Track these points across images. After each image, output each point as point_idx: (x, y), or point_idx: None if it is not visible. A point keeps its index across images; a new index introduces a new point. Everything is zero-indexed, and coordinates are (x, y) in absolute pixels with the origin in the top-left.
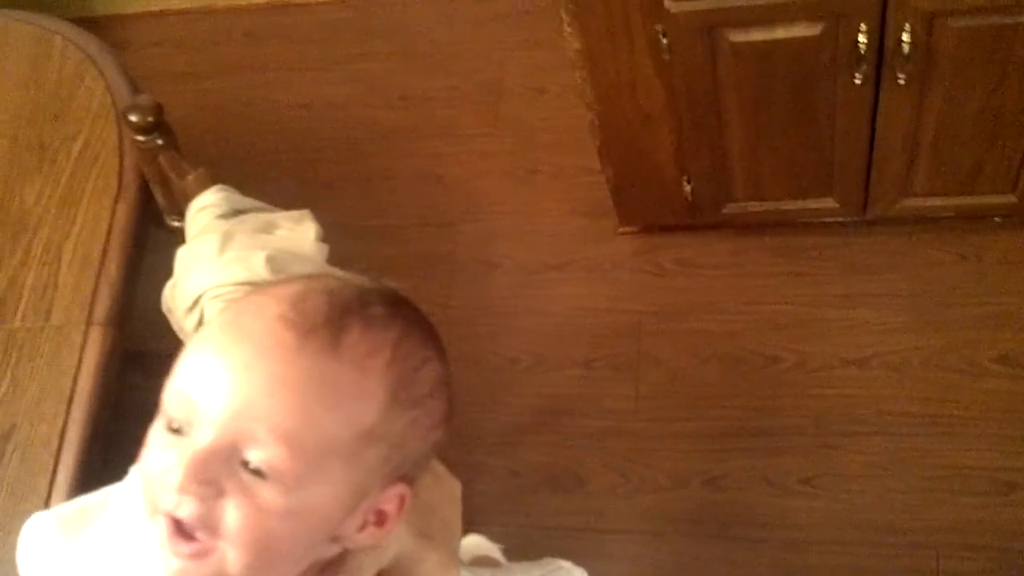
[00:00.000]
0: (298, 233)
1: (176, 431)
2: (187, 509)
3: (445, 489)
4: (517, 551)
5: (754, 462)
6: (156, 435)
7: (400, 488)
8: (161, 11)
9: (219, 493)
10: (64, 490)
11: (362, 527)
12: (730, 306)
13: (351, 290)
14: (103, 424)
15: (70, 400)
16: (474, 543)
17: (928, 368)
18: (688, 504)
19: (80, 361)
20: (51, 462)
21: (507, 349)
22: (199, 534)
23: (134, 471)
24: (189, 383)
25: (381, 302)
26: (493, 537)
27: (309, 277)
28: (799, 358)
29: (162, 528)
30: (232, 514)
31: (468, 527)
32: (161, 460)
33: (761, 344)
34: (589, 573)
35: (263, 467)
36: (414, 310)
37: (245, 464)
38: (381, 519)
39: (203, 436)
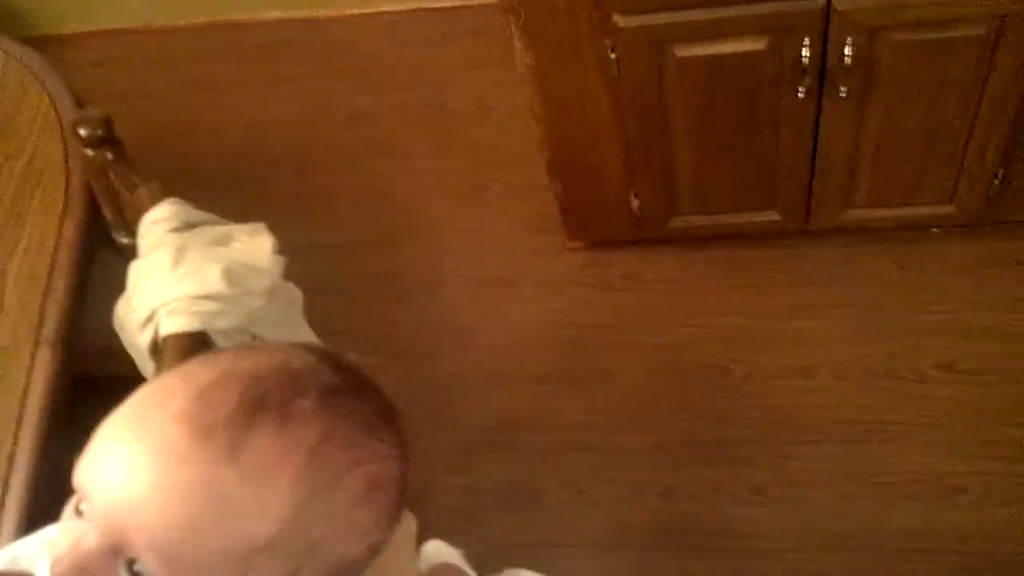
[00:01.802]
0: (254, 245)
1: (80, 514)
2: None
3: (398, 534)
4: (475, 569)
5: (707, 473)
6: (66, 513)
7: None
8: (101, 31)
9: None
10: (14, 515)
11: None
12: (678, 319)
13: (279, 378)
14: (53, 447)
15: (19, 422)
16: (435, 550)
17: (872, 376)
18: (644, 516)
19: (28, 382)
20: (0, 487)
21: (458, 366)
22: None
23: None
24: (87, 470)
25: (311, 393)
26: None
27: (239, 355)
28: (747, 369)
29: None
30: None
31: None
32: (62, 541)
33: (710, 356)
34: None
35: (142, 572)
36: (359, 396)
37: (129, 565)
38: None
39: (89, 532)
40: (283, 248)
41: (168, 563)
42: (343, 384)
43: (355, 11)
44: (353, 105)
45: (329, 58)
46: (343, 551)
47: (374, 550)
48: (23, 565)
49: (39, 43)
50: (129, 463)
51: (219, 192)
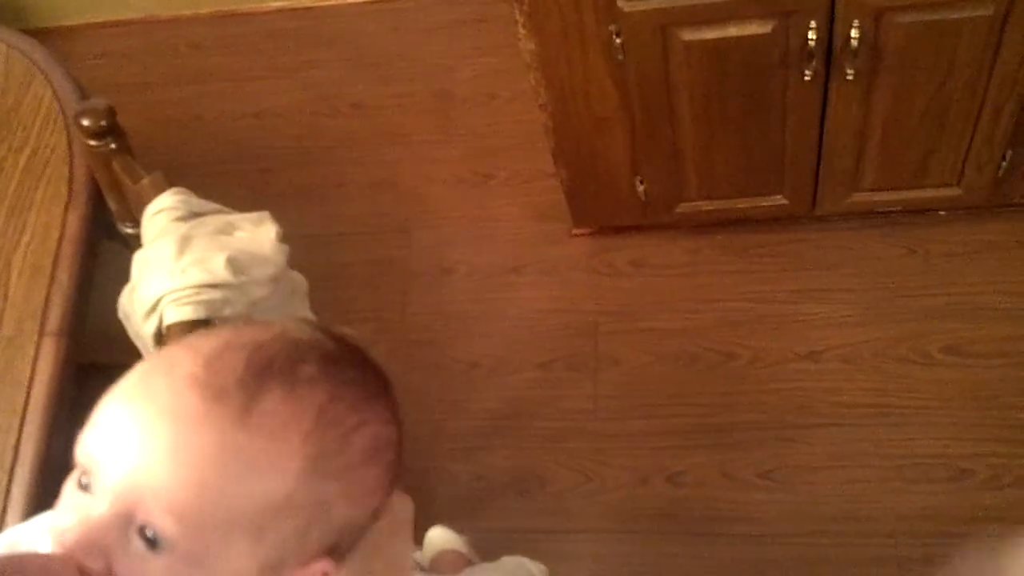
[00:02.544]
0: (258, 234)
1: (84, 487)
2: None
3: (394, 518)
4: (482, 555)
5: (713, 457)
6: (67, 489)
7: (323, 564)
8: (104, 23)
9: (107, 567)
10: (20, 505)
11: None
12: (685, 304)
13: (282, 345)
14: (58, 438)
15: (23, 413)
16: (439, 537)
17: (879, 360)
18: (650, 501)
19: (33, 373)
20: (4, 478)
21: (465, 354)
22: None
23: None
24: (94, 441)
25: (314, 359)
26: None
27: (238, 329)
28: (754, 354)
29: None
30: None
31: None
32: (65, 517)
33: (716, 341)
34: (554, 574)
35: (158, 539)
36: (354, 367)
37: (142, 531)
38: None
39: (99, 501)
40: (288, 236)
41: (186, 524)
42: (342, 353)
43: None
44: (357, 94)
45: (333, 47)
46: (350, 511)
47: (375, 514)
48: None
49: (42, 35)
50: (141, 428)
51: (224, 182)
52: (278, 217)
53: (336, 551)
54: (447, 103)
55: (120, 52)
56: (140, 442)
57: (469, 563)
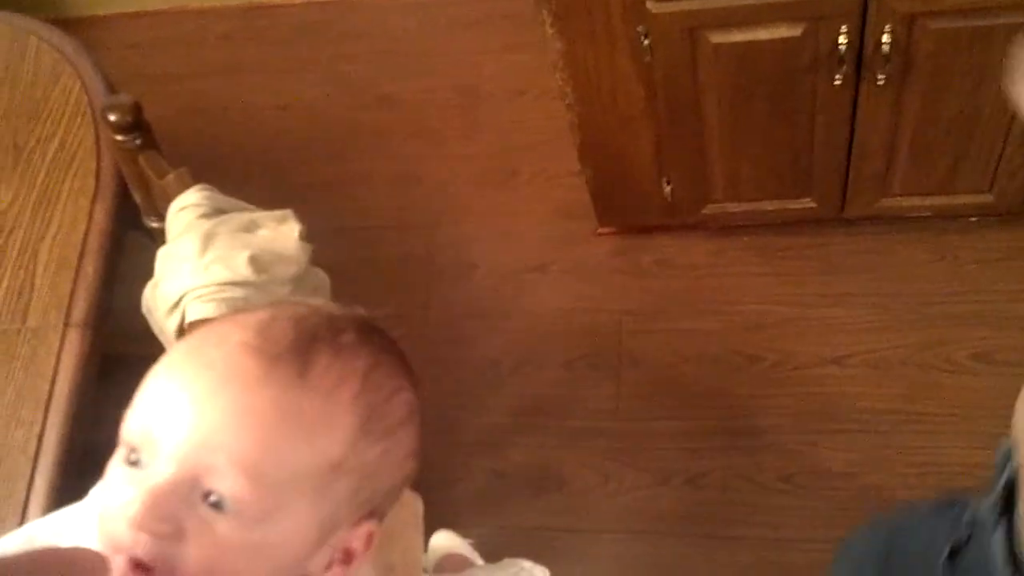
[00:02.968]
0: (281, 232)
1: (135, 464)
2: (144, 547)
3: (407, 512)
4: (499, 552)
5: (735, 460)
6: (114, 468)
7: (369, 525)
8: (135, 13)
9: (178, 529)
10: (43, 495)
11: (328, 566)
12: (710, 306)
13: (320, 317)
14: (82, 428)
15: (48, 404)
16: (444, 541)
17: (906, 366)
18: (670, 503)
19: (57, 364)
20: (29, 468)
21: (488, 351)
22: (157, 573)
23: (92, 495)
24: (148, 414)
25: (352, 329)
26: (474, 538)
27: (276, 304)
28: (779, 357)
29: (119, 566)
30: (191, 551)
31: (451, 527)
32: (119, 495)
33: (741, 344)
34: (572, 574)
35: (224, 500)
36: (385, 338)
37: (206, 497)
38: (348, 557)
39: (162, 470)
40: (313, 231)
41: (256, 481)
42: (372, 327)
43: None
44: (383, 88)
45: (360, 41)
46: (392, 474)
47: (408, 480)
48: (40, 546)
49: (72, 25)
50: (201, 395)
51: (249, 173)
52: (302, 210)
53: (376, 514)
54: (474, 99)
55: (150, 42)
56: (202, 408)
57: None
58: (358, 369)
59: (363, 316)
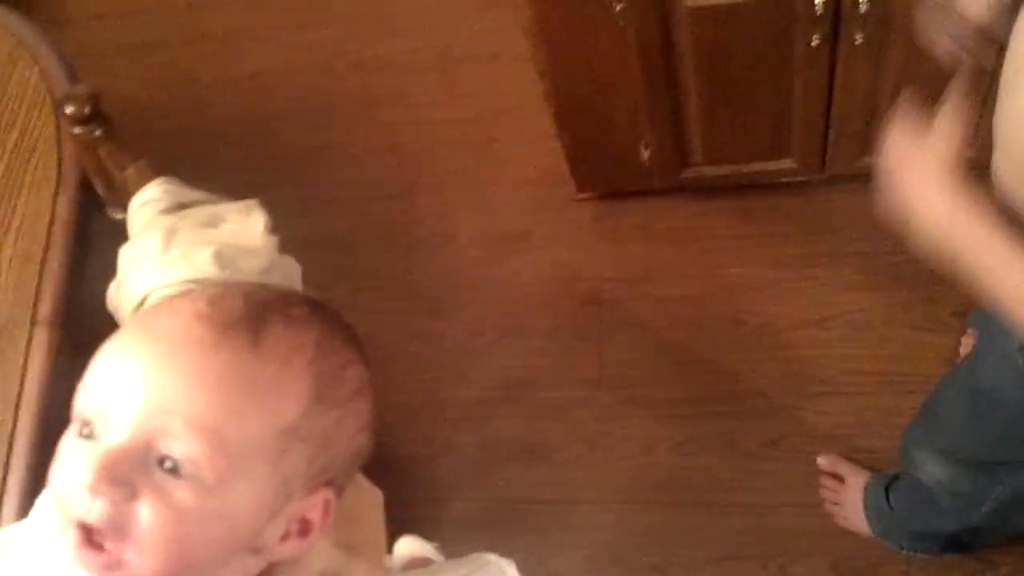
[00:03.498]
0: (246, 226)
1: (87, 436)
2: (97, 512)
3: (367, 498)
4: (487, 525)
5: (720, 426)
6: (66, 443)
7: (325, 494)
8: None
9: (132, 495)
10: (15, 496)
11: (285, 537)
12: (691, 270)
13: (270, 292)
14: (53, 427)
15: (17, 403)
16: (408, 546)
17: (889, 326)
18: (656, 471)
19: (26, 362)
20: (0, 470)
21: (469, 322)
22: (108, 544)
23: (38, 504)
24: (100, 384)
25: (301, 303)
26: (464, 511)
27: (226, 284)
28: (762, 320)
29: (72, 539)
30: (145, 516)
31: (437, 502)
32: (71, 466)
33: (723, 307)
34: (560, 544)
35: (181, 462)
36: (335, 315)
37: (161, 462)
38: (305, 528)
39: (116, 435)
40: (289, 201)
41: (213, 443)
42: (320, 303)
43: None
44: (356, 53)
45: (330, 5)
46: (347, 443)
47: (362, 454)
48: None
49: None
50: (156, 362)
51: (220, 145)
52: (277, 181)
53: (332, 485)
54: (448, 62)
55: (117, 13)
56: (155, 375)
57: None
58: (310, 338)
59: (312, 296)
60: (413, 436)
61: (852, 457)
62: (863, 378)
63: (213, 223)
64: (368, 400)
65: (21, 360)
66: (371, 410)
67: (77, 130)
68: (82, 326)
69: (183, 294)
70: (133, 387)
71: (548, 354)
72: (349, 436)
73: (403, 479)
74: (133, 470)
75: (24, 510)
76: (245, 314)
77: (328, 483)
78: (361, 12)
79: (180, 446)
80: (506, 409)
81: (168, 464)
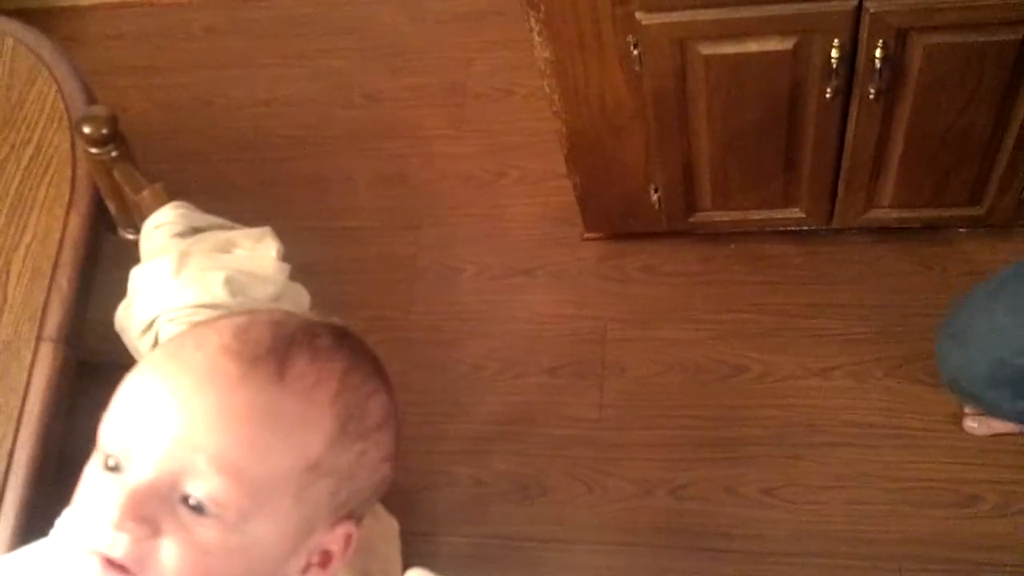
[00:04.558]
0: (258, 252)
1: (113, 468)
2: (121, 548)
3: (384, 527)
4: (481, 562)
5: (718, 472)
6: (92, 474)
7: (347, 527)
8: (118, 3)
9: (156, 532)
10: (12, 514)
11: (305, 568)
12: (695, 314)
13: (297, 322)
14: (54, 445)
15: (19, 420)
16: None
17: (891, 379)
18: (652, 514)
19: (29, 379)
20: None
21: (471, 356)
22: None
23: (59, 525)
24: (126, 417)
25: (328, 334)
26: (458, 547)
27: (253, 311)
28: (764, 367)
29: (95, 567)
30: (169, 553)
31: (431, 536)
32: (96, 498)
33: (726, 353)
34: None
35: (205, 501)
36: (361, 343)
37: (185, 500)
38: (325, 560)
39: (141, 471)
40: (296, 230)
41: (237, 481)
42: (347, 332)
43: None
44: (370, 84)
45: (348, 36)
46: (369, 476)
47: (385, 484)
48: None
49: (55, 15)
50: (182, 397)
51: (231, 170)
52: (283, 209)
53: (353, 517)
54: (461, 97)
55: (134, 34)
56: (180, 410)
57: None
58: (335, 371)
59: (338, 323)
60: (408, 468)
61: (846, 509)
62: (862, 429)
63: (226, 248)
64: (392, 430)
65: (25, 376)
66: (395, 440)
67: (93, 150)
68: (87, 345)
69: (209, 323)
70: (158, 422)
71: (549, 391)
72: (371, 467)
73: (396, 512)
74: (158, 508)
75: (21, 525)
76: (271, 347)
77: (349, 515)
78: (376, 46)
79: (204, 485)
80: (504, 445)
81: (192, 501)
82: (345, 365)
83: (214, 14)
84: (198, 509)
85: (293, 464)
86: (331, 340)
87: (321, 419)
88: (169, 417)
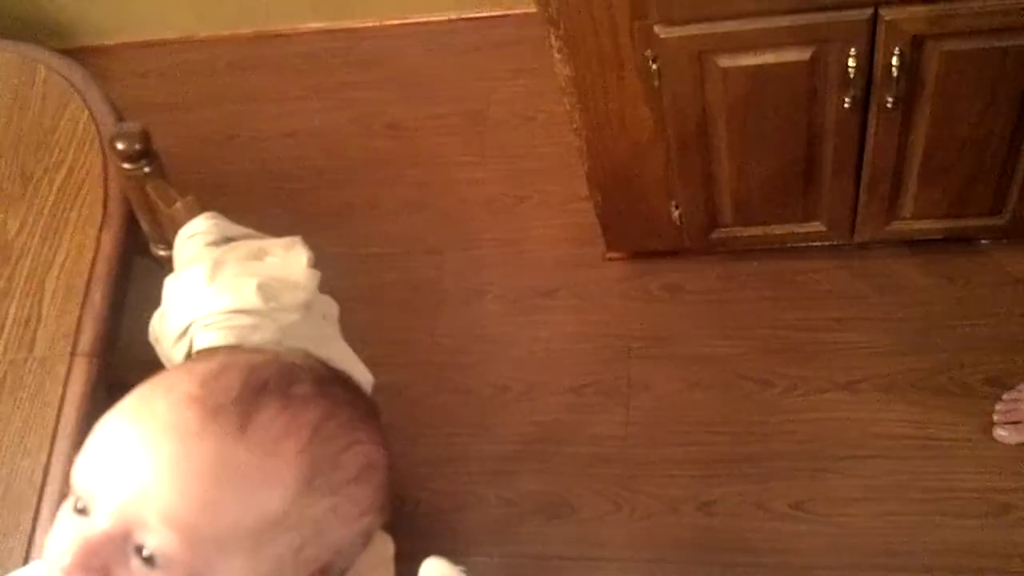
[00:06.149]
0: (289, 260)
1: (81, 511)
2: None
3: (377, 550)
4: None
5: (746, 487)
6: (62, 514)
7: None
8: (144, 42)
9: None
10: (48, 526)
11: None
12: (719, 331)
13: (276, 367)
14: None
15: (54, 434)
16: (435, 569)
17: (918, 390)
18: (680, 530)
19: (64, 393)
20: (35, 498)
21: (496, 377)
22: None
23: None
24: (93, 462)
25: (308, 379)
26: (487, 567)
27: (234, 352)
28: (790, 382)
29: None
30: None
31: (460, 556)
32: (59, 541)
33: (751, 369)
34: None
35: (156, 554)
36: (349, 390)
37: (139, 550)
38: None
39: (99, 519)
40: (320, 256)
41: (186, 537)
42: (334, 376)
43: (394, 21)
44: (393, 115)
45: (368, 68)
46: (342, 531)
47: (367, 536)
48: None
49: (81, 54)
50: (142, 445)
51: (258, 201)
52: (310, 237)
53: (329, 572)
54: (482, 125)
55: (159, 71)
56: (138, 459)
57: None
58: (307, 422)
59: (322, 368)
60: (436, 489)
61: (876, 522)
62: (890, 442)
63: (258, 256)
64: (374, 482)
65: (60, 391)
66: (379, 492)
67: (127, 166)
68: (121, 360)
69: (185, 366)
70: (120, 471)
71: (574, 410)
72: (345, 522)
73: (425, 533)
74: (111, 557)
75: None
76: (238, 396)
77: (323, 570)
78: (397, 77)
79: (154, 538)
80: (532, 464)
81: (145, 552)
82: (320, 415)
83: (237, 50)
84: (150, 561)
85: (250, 520)
86: (309, 388)
87: (284, 473)
88: (129, 466)
